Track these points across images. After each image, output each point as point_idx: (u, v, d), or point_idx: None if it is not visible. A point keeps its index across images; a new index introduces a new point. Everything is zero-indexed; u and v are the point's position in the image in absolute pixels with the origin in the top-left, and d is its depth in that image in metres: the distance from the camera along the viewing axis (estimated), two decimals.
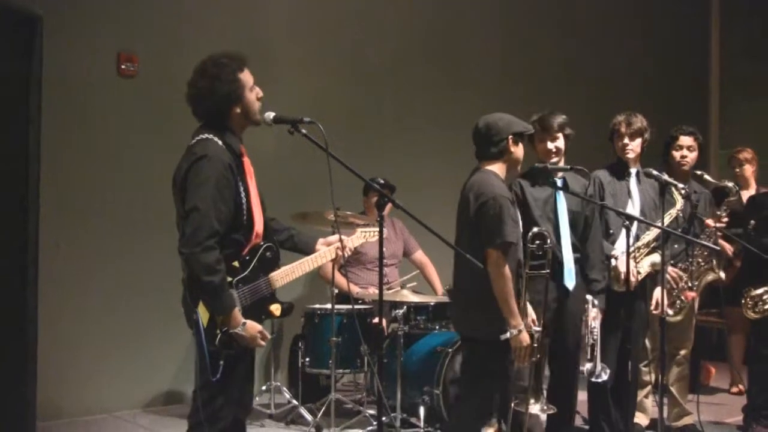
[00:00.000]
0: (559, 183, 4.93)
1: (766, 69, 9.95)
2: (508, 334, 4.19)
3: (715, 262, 5.67)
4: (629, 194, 5.27)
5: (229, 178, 3.62)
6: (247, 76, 3.77)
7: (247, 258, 3.73)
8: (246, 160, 3.81)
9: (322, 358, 5.94)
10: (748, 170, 6.90)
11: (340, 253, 4.00)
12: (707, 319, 7.60)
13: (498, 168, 4.42)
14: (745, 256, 6.17)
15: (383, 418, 5.51)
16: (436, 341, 5.87)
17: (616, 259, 5.03)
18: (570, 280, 4.88)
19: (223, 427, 3.67)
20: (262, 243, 3.80)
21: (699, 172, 5.82)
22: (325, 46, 7.50)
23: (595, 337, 4.79)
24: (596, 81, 9.27)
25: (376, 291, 6.06)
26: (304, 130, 3.77)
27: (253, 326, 3.63)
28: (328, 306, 5.87)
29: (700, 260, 5.62)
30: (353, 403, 6.08)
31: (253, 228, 3.74)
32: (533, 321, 4.51)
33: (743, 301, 5.73)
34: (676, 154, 5.69)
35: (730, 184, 5.70)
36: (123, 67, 6.35)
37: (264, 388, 6.29)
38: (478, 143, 4.48)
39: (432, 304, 6.13)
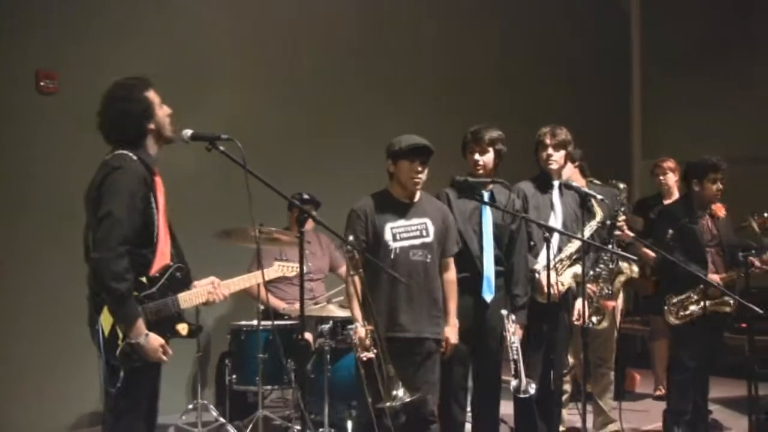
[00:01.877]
0: (486, 196, 4.98)
1: (687, 82, 10.14)
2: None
3: (623, 263, 5.78)
4: (552, 207, 5.32)
5: (143, 191, 3.68)
6: (153, 95, 3.84)
7: (156, 276, 3.74)
8: (158, 179, 3.82)
9: (249, 375, 5.91)
10: (671, 179, 7.04)
11: (211, 298, 3.94)
12: (631, 326, 7.77)
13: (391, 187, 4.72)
14: (663, 265, 6.28)
15: None
16: None
17: (538, 273, 5.09)
18: (488, 293, 4.93)
19: None
20: (172, 263, 3.81)
21: (589, 179, 5.97)
22: (256, 61, 7.49)
23: (515, 352, 4.82)
24: (527, 93, 9.34)
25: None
26: (221, 147, 3.79)
27: (155, 339, 3.61)
28: (254, 322, 5.85)
29: (610, 264, 5.71)
30: (281, 420, 6.04)
31: (157, 246, 3.74)
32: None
33: (665, 308, 5.85)
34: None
35: (621, 185, 5.84)
36: (42, 84, 6.27)
37: (191, 406, 6.21)
38: None
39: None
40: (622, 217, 5.86)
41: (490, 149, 5.04)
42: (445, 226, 4.73)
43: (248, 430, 5.77)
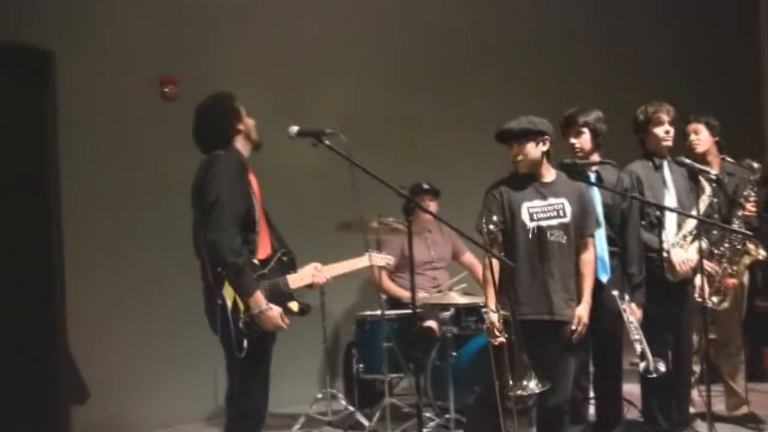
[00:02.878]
0: (593, 177, 4.94)
1: None
2: None
3: (750, 244, 5.62)
4: (664, 184, 5.23)
5: (243, 176, 4.06)
6: (239, 105, 4.25)
7: (266, 259, 4.12)
8: (252, 176, 4.15)
9: (375, 364, 6.02)
10: None
11: (315, 280, 4.32)
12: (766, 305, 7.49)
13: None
14: None
15: (436, 419, 5.70)
16: (485, 341, 5.88)
17: (667, 252, 5.03)
18: (603, 273, 4.89)
19: (262, 417, 4.16)
20: (279, 249, 4.23)
21: (722, 156, 5.77)
22: (361, 51, 7.57)
23: (635, 332, 4.75)
24: (638, 73, 9.10)
25: (425, 295, 6.24)
26: (327, 141, 3.93)
27: (274, 309, 3.98)
28: (378, 312, 5.98)
29: (735, 244, 5.57)
30: (409, 407, 6.14)
31: (260, 232, 4.09)
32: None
33: None
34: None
35: (755, 165, 5.64)
36: (166, 90, 6.52)
37: (320, 395, 6.40)
38: None
39: (481, 304, 6.15)
40: (752, 197, 5.67)
41: (585, 130, 5.03)
42: (581, 205, 4.67)
43: (377, 417, 5.88)
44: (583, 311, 4.61)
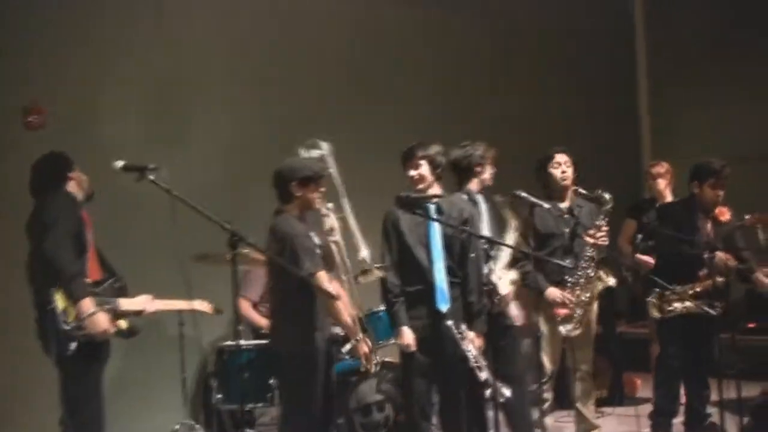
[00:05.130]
0: (433, 209, 5.05)
1: (695, 82, 10.04)
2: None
3: (602, 272, 5.80)
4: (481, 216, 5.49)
5: (74, 208, 4.67)
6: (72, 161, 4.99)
7: (99, 281, 4.63)
8: (84, 213, 4.80)
9: (234, 394, 5.95)
10: (662, 183, 7.01)
11: (146, 308, 4.89)
12: (632, 330, 7.70)
13: (294, 209, 4.98)
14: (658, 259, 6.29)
15: None
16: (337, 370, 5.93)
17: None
18: (443, 303, 4.98)
19: (100, 419, 4.57)
20: (109, 277, 4.71)
21: (574, 188, 5.94)
22: (240, 81, 7.44)
23: (473, 360, 4.83)
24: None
25: None
26: (152, 177, 4.02)
27: (103, 315, 4.41)
28: (239, 342, 5.97)
29: (589, 272, 5.74)
30: None
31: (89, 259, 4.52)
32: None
33: (649, 300, 5.83)
34: (556, 172, 5.83)
35: (606, 195, 5.81)
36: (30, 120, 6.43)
37: (177, 426, 6.33)
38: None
39: (341, 334, 6.18)
40: (604, 227, 5.84)
41: (423, 162, 5.15)
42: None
43: None
44: None
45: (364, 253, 5.27)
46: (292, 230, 4.87)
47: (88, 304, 4.32)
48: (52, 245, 4.28)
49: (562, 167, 5.88)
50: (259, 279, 6.43)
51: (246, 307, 6.44)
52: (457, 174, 5.57)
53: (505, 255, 5.34)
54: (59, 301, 4.27)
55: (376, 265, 5.09)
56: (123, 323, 4.63)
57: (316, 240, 4.99)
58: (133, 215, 6.39)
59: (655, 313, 5.86)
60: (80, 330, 4.27)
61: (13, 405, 5.99)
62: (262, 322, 6.46)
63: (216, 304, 5.92)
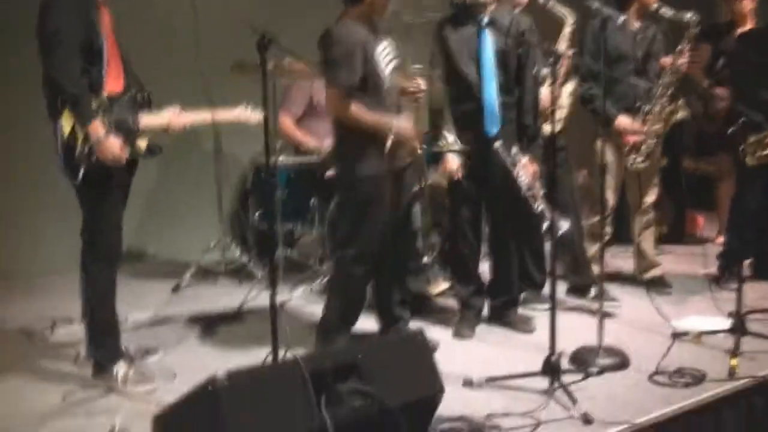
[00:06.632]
0: (485, 20, 4.52)
1: None
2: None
3: (680, 101, 5.30)
4: None
5: (83, 7, 3.82)
6: None
7: (115, 96, 3.91)
8: (105, 11, 3.96)
9: (272, 213, 5.63)
10: (748, 5, 6.33)
11: (172, 123, 4.12)
12: (697, 166, 7.22)
13: (358, 13, 4.14)
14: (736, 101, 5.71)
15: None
16: None
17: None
18: (492, 125, 4.52)
19: (117, 253, 4.04)
20: (133, 88, 4.02)
21: (655, 6, 5.32)
22: None
23: (526, 188, 4.31)
24: None
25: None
26: None
27: (113, 139, 3.79)
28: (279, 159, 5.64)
29: (663, 100, 5.25)
30: (304, 259, 5.89)
31: (108, 67, 3.90)
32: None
33: (742, 148, 5.30)
34: None
35: (688, 15, 5.20)
36: None
37: (213, 244, 6.10)
38: None
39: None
40: (687, 52, 5.28)
41: None
42: None
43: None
44: None
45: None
46: (341, 35, 4.09)
47: (96, 129, 3.75)
48: (54, 62, 3.73)
49: None
50: (302, 93, 6.01)
51: (288, 124, 6.02)
52: None
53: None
54: (65, 125, 3.78)
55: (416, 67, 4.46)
56: (142, 143, 4.01)
57: (383, 52, 4.18)
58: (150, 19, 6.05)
59: (750, 161, 5.32)
60: (89, 156, 3.77)
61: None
62: (305, 139, 6.07)
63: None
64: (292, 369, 2.95)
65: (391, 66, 4.19)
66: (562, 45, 5.11)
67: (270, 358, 3.54)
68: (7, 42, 5.71)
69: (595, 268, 5.15)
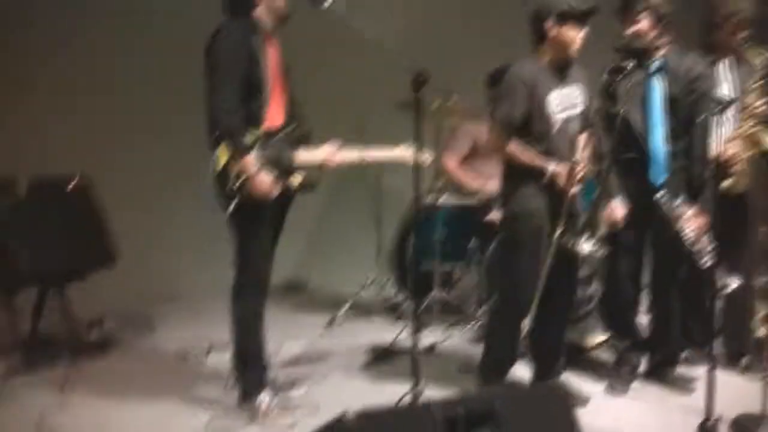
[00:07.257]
0: (656, 65, 4.34)
1: None
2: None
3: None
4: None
5: (249, 41, 3.87)
6: None
7: (272, 131, 3.95)
8: (270, 42, 4.01)
9: (428, 252, 5.67)
10: None
11: (328, 160, 4.10)
12: None
13: (544, 54, 4.08)
14: None
15: None
16: None
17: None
18: (657, 174, 4.33)
19: (265, 284, 4.08)
20: (292, 123, 4.03)
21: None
22: None
23: (692, 243, 4.10)
24: None
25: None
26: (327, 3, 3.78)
27: (264, 175, 3.83)
28: (439, 199, 5.65)
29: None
30: (460, 300, 5.82)
31: (268, 102, 3.93)
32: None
33: None
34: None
35: None
36: None
37: (369, 281, 6.13)
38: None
39: None
40: None
41: (643, 15, 4.28)
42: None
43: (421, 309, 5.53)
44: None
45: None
46: (511, 72, 4.07)
47: (248, 163, 3.77)
48: (214, 94, 3.78)
49: None
50: (467, 134, 5.97)
51: (451, 164, 5.99)
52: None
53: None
54: (221, 156, 3.80)
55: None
56: (296, 179, 4.00)
57: (560, 96, 4.08)
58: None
59: None
60: (240, 189, 3.79)
61: None
62: (469, 181, 6.02)
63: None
64: (425, 412, 2.89)
65: (567, 112, 4.10)
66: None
67: (407, 399, 3.49)
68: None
69: (763, 330, 4.82)
